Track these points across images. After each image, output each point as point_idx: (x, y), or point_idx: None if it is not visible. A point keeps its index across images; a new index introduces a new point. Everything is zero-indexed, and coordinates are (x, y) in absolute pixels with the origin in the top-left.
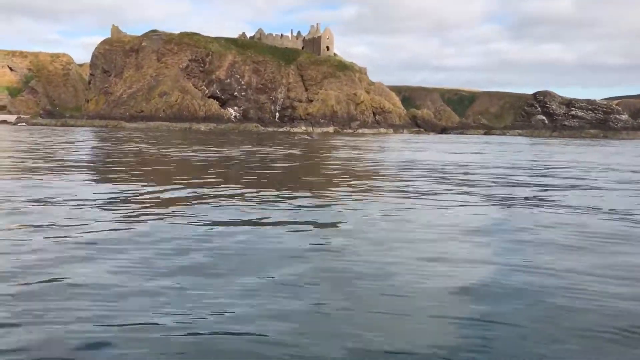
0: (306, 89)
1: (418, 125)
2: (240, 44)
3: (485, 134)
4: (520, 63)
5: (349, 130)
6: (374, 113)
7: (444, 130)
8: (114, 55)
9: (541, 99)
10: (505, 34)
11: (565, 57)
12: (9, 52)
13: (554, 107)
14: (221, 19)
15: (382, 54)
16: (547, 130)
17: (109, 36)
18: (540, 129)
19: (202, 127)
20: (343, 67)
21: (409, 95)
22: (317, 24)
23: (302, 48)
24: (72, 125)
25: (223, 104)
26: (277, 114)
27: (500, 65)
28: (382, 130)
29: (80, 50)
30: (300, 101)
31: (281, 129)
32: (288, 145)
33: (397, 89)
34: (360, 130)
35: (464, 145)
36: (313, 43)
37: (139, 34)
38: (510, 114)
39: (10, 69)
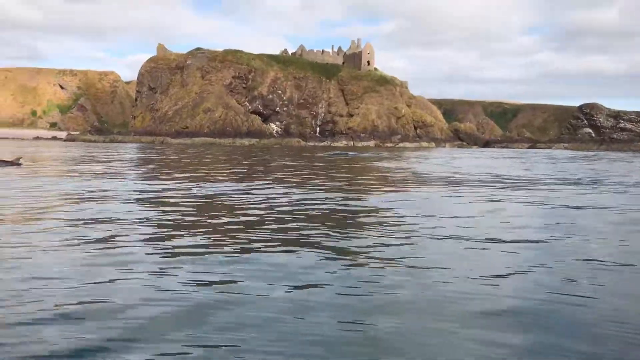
0: (347, 104)
1: (460, 138)
2: (282, 60)
3: (530, 147)
4: (564, 75)
5: (390, 145)
6: (415, 127)
7: (487, 144)
8: (159, 72)
9: (587, 112)
10: (549, 45)
11: (612, 68)
12: (59, 70)
13: (601, 119)
14: (263, 35)
15: (423, 67)
16: (594, 144)
17: (155, 54)
18: (587, 142)
19: (245, 142)
20: (384, 81)
21: (450, 109)
22: (358, 39)
23: (343, 63)
24: (120, 142)
25: (265, 119)
26: (318, 129)
27: (543, 77)
28: (424, 144)
29: (127, 68)
30: (341, 116)
31: (322, 144)
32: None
33: (438, 102)
34: (401, 144)
35: (518, 160)
36: (354, 58)
37: (184, 52)
38: (555, 127)
39: (61, 87)
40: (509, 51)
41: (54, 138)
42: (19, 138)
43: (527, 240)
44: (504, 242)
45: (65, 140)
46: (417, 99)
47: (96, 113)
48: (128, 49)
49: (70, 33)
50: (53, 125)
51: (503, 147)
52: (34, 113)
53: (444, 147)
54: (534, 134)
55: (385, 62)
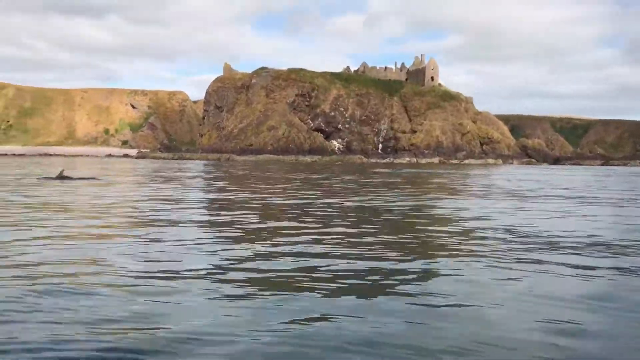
0: (410, 120)
1: (528, 155)
2: (344, 77)
3: (603, 164)
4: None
5: (455, 161)
6: (481, 143)
7: (556, 161)
8: (226, 91)
9: None
10: (623, 59)
11: None
12: (131, 91)
13: None
14: (326, 54)
15: (488, 82)
16: None
17: (222, 74)
18: None
19: (308, 159)
20: (448, 97)
21: (517, 124)
22: (421, 55)
23: (406, 79)
24: (188, 159)
25: (327, 136)
26: (381, 145)
27: (617, 92)
28: (490, 160)
29: (195, 87)
30: (403, 132)
31: (384, 160)
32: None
33: (505, 118)
34: (466, 161)
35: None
36: (417, 74)
37: (249, 71)
38: (629, 143)
39: (133, 106)
40: (580, 65)
41: (125, 155)
42: (92, 155)
43: None
44: None
45: (136, 158)
46: (483, 114)
47: (165, 131)
48: (196, 69)
49: (142, 55)
50: (124, 143)
51: (574, 164)
52: (106, 131)
53: (512, 163)
54: (607, 150)
55: (449, 78)
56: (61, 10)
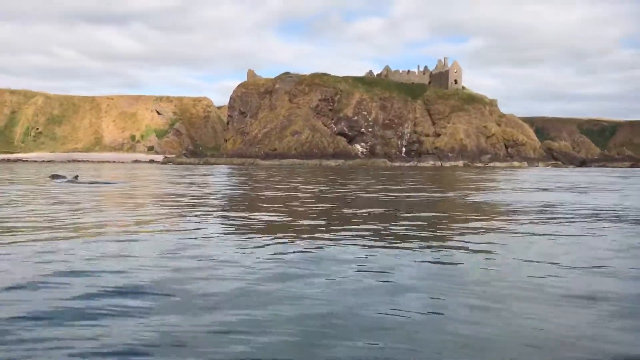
0: (433, 123)
1: (554, 157)
2: (367, 81)
3: (631, 166)
4: None
5: (480, 164)
6: (505, 146)
7: (583, 163)
8: (249, 97)
9: None
10: None
11: None
12: (157, 97)
13: None
14: (349, 58)
15: (512, 85)
16: None
17: (245, 79)
18: None
19: (331, 163)
20: (472, 100)
21: (542, 127)
22: (444, 57)
23: (429, 83)
24: (213, 164)
25: (350, 140)
26: (404, 149)
27: None
28: (515, 163)
29: (219, 93)
30: (427, 135)
31: (408, 164)
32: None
33: (530, 121)
34: (491, 164)
35: None
36: (440, 77)
37: (273, 77)
38: None
39: (158, 113)
40: (607, 66)
41: (151, 161)
42: (119, 161)
43: None
44: None
45: (162, 163)
46: (508, 117)
47: (190, 137)
48: (220, 75)
49: (167, 62)
50: (150, 149)
51: (601, 167)
52: (133, 137)
53: (537, 166)
54: (635, 152)
55: (472, 81)
56: (88, 19)
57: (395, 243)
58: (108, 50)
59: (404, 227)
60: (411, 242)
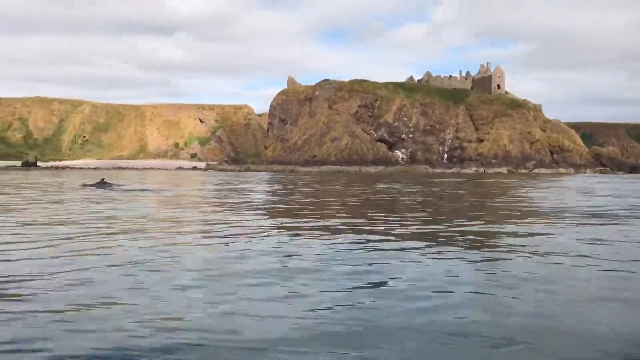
0: (476, 129)
1: (602, 164)
2: (407, 87)
3: None
4: None
5: (524, 171)
6: (551, 152)
7: (633, 169)
8: (289, 104)
9: None
10: None
11: None
12: (199, 105)
13: None
14: (389, 64)
15: (557, 90)
16: None
17: (285, 87)
18: None
19: (371, 169)
20: (516, 105)
21: (589, 132)
22: (487, 62)
23: (472, 88)
24: (254, 170)
25: (390, 146)
26: (446, 155)
27: None
28: (562, 170)
29: (260, 100)
30: (469, 141)
31: (450, 170)
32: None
33: (576, 126)
34: (536, 171)
35: None
36: (483, 82)
37: (312, 84)
38: None
39: (201, 120)
40: None
41: (194, 168)
42: (163, 168)
43: None
44: None
45: (204, 170)
46: (553, 122)
47: (231, 144)
48: (260, 83)
49: (209, 71)
50: (193, 156)
51: None
52: (176, 145)
53: (584, 172)
54: None
55: (515, 86)
56: (134, 30)
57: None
58: (152, 60)
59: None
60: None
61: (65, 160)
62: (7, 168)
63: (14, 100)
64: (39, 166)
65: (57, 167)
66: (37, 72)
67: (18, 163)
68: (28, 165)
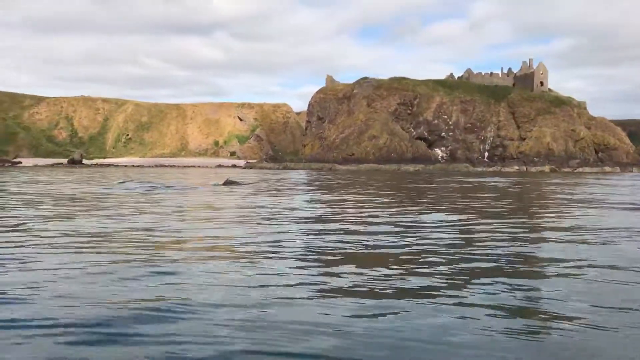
0: (518, 127)
1: None
2: (447, 84)
3: None
4: None
5: (568, 169)
6: (596, 150)
7: None
8: (327, 102)
9: None
10: None
11: None
12: (239, 104)
13: None
14: (429, 61)
15: (603, 86)
16: None
17: (324, 85)
18: None
19: (410, 168)
20: (559, 103)
21: (636, 130)
22: (529, 59)
23: (513, 85)
24: (292, 168)
25: (430, 144)
26: (487, 153)
27: None
28: (607, 168)
29: (298, 99)
30: (511, 139)
31: (491, 169)
32: None
33: (622, 124)
34: (580, 169)
35: None
36: (525, 79)
37: (351, 82)
38: None
39: (240, 119)
40: None
41: (234, 166)
42: (204, 166)
43: None
44: None
45: (244, 168)
46: (598, 120)
47: (270, 142)
48: (299, 82)
49: (248, 69)
50: (232, 154)
51: None
52: (216, 143)
53: (631, 171)
54: None
55: (558, 83)
56: (175, 30)
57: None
58: (193, 60)
59: None
60: None
61: (109, 158)
62: (54, 165)
63: (60, 100)
64: (84, 164)
65: (101, 165)
66: (83, 72)
67: (64, 160)
68: (74, 162)
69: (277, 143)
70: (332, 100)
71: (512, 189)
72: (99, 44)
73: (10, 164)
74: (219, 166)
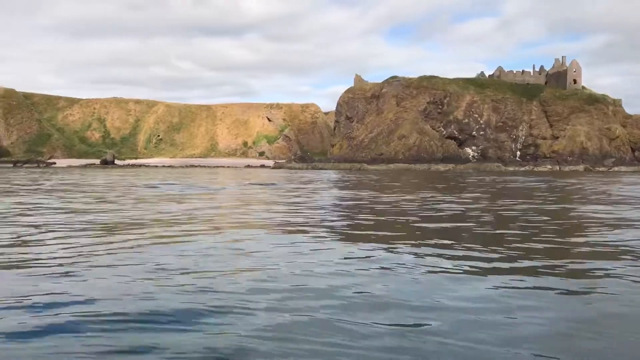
0: (551, 125)
1: None
2: (478, 83)
3: None
4: None
5: (602, 169)
6: (632, 149)
7: None
8: (356, 102)
9: None
10: None
11: None
12: (268, 104)
13: None
14: (459, 60)
15: (639, 83)
16: None
17: (352, 85)
18: None
19: (441, 167)
20: (593, 100)
21: None
22: (562, 56)
23: (546, 83)
24: (321, 168)
25: (460, 144)
26: (519, 153)
27: None
28: None
29: (326, 99)
30: (544, 138)
31: (523, 168)
32: None
33: None
34: (615, 168)
35: None
36: (558, 77)
37: (379, 81)
38: None
39: (269, 119)
40: None
41: (262, 166)
42: (233, 166)
43: None
44: None
45: (272, 168)
46: (634, 118)
47: (298, 142)
48: (327, 81)
49: (277, 70)
50: (261, 154)
51: None
52: (245, 144)
53: None
54: None
55: (592, 80)
56: (206, 32)
57: None
58: (223, 61)
59: None
60: None
61: (141, 158)
62: (87, 166)
63: (93, 101)
64: (116, 164)
65: (133, 165)
66: (114, 74)
67: (97, 161)
68: (106, 163)
69: (306, 143)
70: (361, 100)
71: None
72: (130, 47)
73: (45, 165)
74: (248, 166)
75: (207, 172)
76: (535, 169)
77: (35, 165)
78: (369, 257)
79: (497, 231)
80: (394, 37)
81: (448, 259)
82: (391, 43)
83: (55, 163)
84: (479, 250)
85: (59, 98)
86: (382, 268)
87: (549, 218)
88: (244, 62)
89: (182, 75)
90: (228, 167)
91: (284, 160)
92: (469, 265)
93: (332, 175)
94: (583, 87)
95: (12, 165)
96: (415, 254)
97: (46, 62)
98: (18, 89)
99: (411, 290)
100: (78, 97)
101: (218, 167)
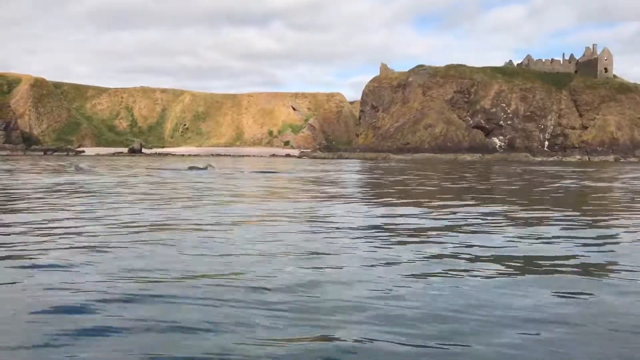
0: (580, 115)
1: None
2: (506, 72)
3: None
4: None
5: (634, 159)
6: None
7: None
8: (382, 91)
9: None
10: None
11: None
12: (293, 94)
13: None
14: (486, 49)
15: None
16: None
17: (378, 74)
18: None
19: (467, 157)
20: (625, 89)
21: None
22: (593, 45)
23: (575, 72)
24: (346, 158)
25: (487, 133)
26: (547, 143)
27: None
28: None
29: (351, 88)
30: (573, 128)
31: (551, 159)
32: None
33: None
34: None
35: None
36: (588, 65)
37: (405, 70)
38: None
39: (294, 109)
40: None
41: (287, 155)
42: (259, 155)
43: None
44: None
45: (298, 157)
46: None
47: (323, 132)
48: (353, 71)
49: (303, 59)
50: (286, 144)
51: None
52: (270, 133)
53: None
54: None
55: (624, 69)
56: (231, 21)
57: None
58: (249, 50)
59: None
60: None
61: (167, 147)
62: (115, 154)
63: (120, 91)
64: (143, 152)
65: (160, 154)
66: (142, 64)
67: (124, 149)
68: (134, 151)
69: (331, 133)
70: (387, 89)
71: None
72: (157, 37)
73: (74, 153)
74: (273, 155)
75: (255, 160)
76: (564, 159)
77: (65, 153)
78: None
79: None
80: (420, 26)
81: None
82: (417, 32)
83: (84, 151)
84: None
85: (87, 87)
86: None
87: None
88: (270, 52)
89: (208, 64)
90: (253, 156)
91: (309, 150)
92: None
93: (392, 164)
94: (614, 76)
95: (42, 153)
96: None
97: (76, 52)
98: (48, 79)
99: None
100: (106, 86)
101: (244, 156)
